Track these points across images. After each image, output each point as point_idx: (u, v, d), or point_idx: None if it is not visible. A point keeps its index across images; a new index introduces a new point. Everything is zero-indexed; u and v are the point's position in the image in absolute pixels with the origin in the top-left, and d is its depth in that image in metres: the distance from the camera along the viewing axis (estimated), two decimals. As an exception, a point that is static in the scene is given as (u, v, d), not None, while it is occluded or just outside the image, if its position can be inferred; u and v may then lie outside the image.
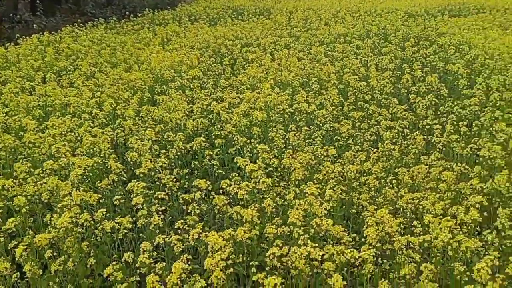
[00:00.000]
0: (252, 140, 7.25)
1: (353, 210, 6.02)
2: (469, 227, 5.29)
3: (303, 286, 4.41)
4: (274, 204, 5.33)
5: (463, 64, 11.27)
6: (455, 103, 9.03)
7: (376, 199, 6.49)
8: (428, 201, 5.89)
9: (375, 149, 8.14)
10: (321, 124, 8.79)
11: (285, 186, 6.32)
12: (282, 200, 5.90)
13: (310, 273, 4.51)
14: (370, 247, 4.72)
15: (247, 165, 5.83)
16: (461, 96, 9.50)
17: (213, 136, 7.80)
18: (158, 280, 3.99)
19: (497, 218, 5.15)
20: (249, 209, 4.89)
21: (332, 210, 6.08)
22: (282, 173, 6.65)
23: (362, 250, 4.70)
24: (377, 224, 5.41)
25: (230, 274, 4.99)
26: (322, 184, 6.29)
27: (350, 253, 4.35)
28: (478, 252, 4.88)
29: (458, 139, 7.80)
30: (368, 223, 5.24)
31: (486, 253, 4.79)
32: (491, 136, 7.34)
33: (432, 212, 5.57)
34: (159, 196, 5.17)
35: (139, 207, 4.94)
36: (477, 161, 7.18)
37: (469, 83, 9.96)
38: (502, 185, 5.88)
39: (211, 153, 6.98)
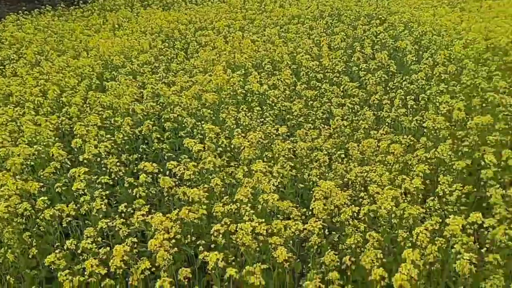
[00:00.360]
0: (202, 122, 7.15)
1: (301, 185, 6.04)
2: (414, 196, 5.44)
3: (251, 261, 4.41)
4: (222, 183, 5.28)
5: (412, 41, 11.50)
6: (404, 79, 9.21)
7: (327, 174, 6.56)
8: (376, 173, 6.01)
9: (327, 126, 8.25)
10: (273, 104, 8.79)
11: (236, 165, 6.28)
12: (232, 179, 5.86)
13: (257, 248, 4.51)
14: (317, 220, 4.77)
15: (194, 145, 5.73)
16: (409, 71, 9.70)
17: (163, 120, 7.65)
18: (98, 264, 3.88)
19: (439, 185, 5.30)
20: (195, 189, 4.82)
21: (281, 186, 6.13)
22: (232, 153, 6.61)
23: (309, 223, 4.75)
24: (325, 198, 5.49)
25: (180, 255, 4.97)
26: (272, 162, 6.30)
27: (295, 226, 4.37)
28: (421, 218, 5.02)
29: (406, 113, 7.98)
30: (315, 197, 5.29)
31: (429, 219, 4.92)
32: (436, 108, 7.52)
33: (378, 183, 5.68)
34: (103, 181, 5.01)
35: (81, 193, 4.78)
36: (424, 133, 7.37)
37: (417, 59, 10.17)
38: (445, 154, 6.05)
39: (159, 136, 6.84)
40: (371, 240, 4.63)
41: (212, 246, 4.51)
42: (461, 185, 5.45)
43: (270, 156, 6.42)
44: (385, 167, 6.41)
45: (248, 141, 6.55)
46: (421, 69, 9.26)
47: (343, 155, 6.74)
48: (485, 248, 4.40)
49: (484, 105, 7.37)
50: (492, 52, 10.05)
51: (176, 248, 4.12)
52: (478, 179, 5.67)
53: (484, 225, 4.47)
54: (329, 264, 4.23)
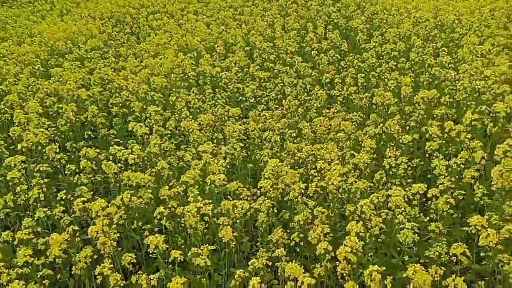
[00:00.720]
0: (150, 106, 6.95)
1: (250, 165, 5.98)
2: (362, 171, 5.50)
3: (199, 242, 4.32)
4: (169, 167, 5.15)
5: (363, 20, 11.58)
6: (355, 57, 9.27)
7: (279, 154, 6.53)
8: (327, 151, 6.03)
9: (280, 107, 8.22)
10: (225, 86, 8.67)
11: (186, 148, 6.14)
12: (181, 162, 5.74)
13: (205, 230, 4.43)
14: (265, 199, 4.73)
15: (139, 129, 5.55)
16: (361, 50, 9.77)
17: (110, 105, 7.39)
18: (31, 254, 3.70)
19: (384, 159, 5.36)
20: (139, 173, 4.67)
21: (231, 168, 6.06)
22: (183, 135, 6.47)
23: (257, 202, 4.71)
24: (276, 177, 5.45)
25: (128, 241, 4.83)
26: (223, 143, 6.22)
27: (240, 205, 4.31)
28: (369, 192, 5.06)
29: (357, 91, 8.04)
30: (264, 176, 5.25)
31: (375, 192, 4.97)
32: (385, 85, 7.61)
33: (328, 160, 5.70)
34: (41, 169, 4.78)
35: (16, 182, 4.54)
36: (376, 110, 7.44)
37: (368, 38, 10.25)
38: (393, 129, 6.14)
39: (103, 121, 6.60)
40: (320, 215, 4.65)
41: (156, 230, 4.38)
42: (407, 158, 5.55)
43: (220, 137, 6.31)
44: (336, 144, 6.47)
45: (198, 124, 6.43)
46: (371, 48, 9.33)
47: (294, 134, 6.70)
48: (428, 218, 4.49)
49: (431, 80, 7.51)
50: (440, 29, 10.26)
51: (118, 234, 3.97)
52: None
53: (428, 195, 4.56)
54: (277, 242, 4.20)
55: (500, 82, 6.47)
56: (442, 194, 4.57)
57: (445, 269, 3.67)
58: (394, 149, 5.84)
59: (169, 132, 6.25)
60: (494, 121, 5.70)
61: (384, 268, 3.28)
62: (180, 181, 4.74)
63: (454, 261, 3.91)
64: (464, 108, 6.24)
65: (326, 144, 6.48)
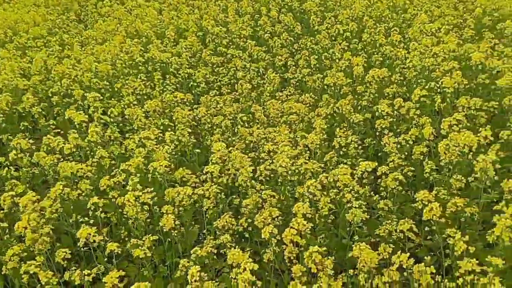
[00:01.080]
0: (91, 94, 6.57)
1: (197, 151, 5.75)
2: (311, 151, 5.38)
3: (140, 233, 4.08)
4: (109, 156, 4.85)
5: (317, 3, 11.44)
6: (309, 40, 9.13)
7: (230, 139, 6.33)
8: (278, 134, 5.87)
9: (233, 91, 8.01)
10: (176, 72, 8.37)
11: (130, 136, 5.84)
12: (125, 151, 5.44)
13: (148, 220, 4.19)
14: (212, 184, 4.53)
15: (76, 117, 5.22)
16: (314, 32, 9.64)
17: (51, 94, 6.96)
18: None
19: (335, 138, 5.25)
20: (73, 163, 4.36)
21: (180, 154, 5.82)
22: (125, 123, 6.17)
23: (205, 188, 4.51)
24: (223, 162, 5.26)
25: (68, 237, 4.53)
26: (170, 129, 5.95)
27: (183, 192, 4.09)
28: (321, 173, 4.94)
29: (310, 73, 7.91)
30: (212, 161, 5.05)
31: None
32: (337, 66, 7.51)
33: (279, 143, 5.54)
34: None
35: None
36: (329, 91, 7.34)
37: (321, 20, 10.12)
38: (345, 109, 6.04)
39: (41, 111, 6.20)
40: (269, 199, 4.49)
41: (100, 223, 4.11)
42: (360, 138, 5.47)
43: (167, 124, 6.04)
44: (288, 127, 6.33)
45: (144, 111, 6.14)
46: (324, 30, 9.22)
47: (245, 118, 6.51)
48: (378, 196, 4.40)
49: (382, 59, 7.46)
50: (392, 10, 10.26)
51: (48, 229, 3.67)
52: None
53: (377, 173, 4.48)
54: (223, 228, 4.01)
55: (449, 59, 6.46)
56: (392, 171, 4.51)
57: (394, 246, 3.60)
58: (346, 129, 5.77)
59: (112, 120, 5.92)
60: (442, 97, 5.68)
61: (325, 248, 3.15)
62: (119, 170, 4.46)
63: (408, 238, 3.86)
64: (415, 86, 6.20)
65: (279, 127, 6.34)
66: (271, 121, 6.92)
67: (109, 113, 5.96)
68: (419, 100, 5.31)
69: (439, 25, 8.02)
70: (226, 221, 4.14)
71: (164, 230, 3.85)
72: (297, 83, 7.99)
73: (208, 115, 6.66)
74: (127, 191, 4.40)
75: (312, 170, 4.63)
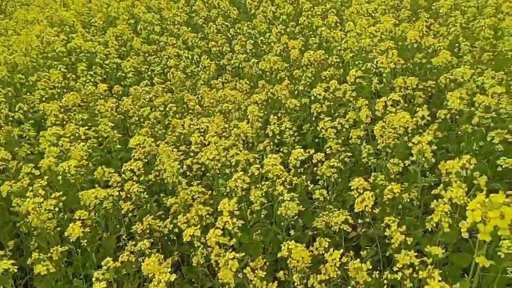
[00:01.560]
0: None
1: (118, 146, 5.23)
2: (244, 141, 5.03)
3: (51, 245, 3.56)
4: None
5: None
6: (245, 25, 8.74)
7: (161, 132, 5.85)
8: (211, 124, 5.46)
9: (167, 81, 7.50)
10: (102, 62, 7.73)
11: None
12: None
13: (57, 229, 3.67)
14: (133, 183, 4.08)
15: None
16: (251, 17, 9.26)
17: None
18: None
19: (268, 126, 4.91)
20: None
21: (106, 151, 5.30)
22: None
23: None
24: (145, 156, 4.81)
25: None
26: (89, 124, 5.39)
27: (94, 194, 3.59)
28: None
29: (247, 58, 7.53)
30: (134, 157, 4.57)
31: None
32: (274, 51, 7.16)
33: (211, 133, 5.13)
34: None
35: None
36: (264, 77, 6.99)
37: (258, 4, 9.75)
38: (280, 94, 5.71)
39: None
40: (197, 196, 4.09)
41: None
42: (294, 123, 5.16)
43: (86, 118, 5.47)
44: (223, 116, 5.94)
45: (62, 105, 5.53)
46: (260, 13, 8.85)
47: (177, 109, 6.04)
48: (314, 185, 4.10)
49: (319, 42, 7.20)
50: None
51: None
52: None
53: (313, 161, 4.18)
54: (142, 233, 3.56)
55: (385, 39, 6.27)
56: (329, 158, 4.22)
57: (329, 240, 3.30)
58: (283, 115, 5.44)
59: (25, 116, 5.28)
60: (380, 78, 5.46)
61: (243, 254, 2.80)
62: (22, 173, 3.90)
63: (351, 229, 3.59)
64: (351, 68, 5.96)
65: (213, 117, 5.93)
66: (206, 110, 6.50)
67: (16, 109, 5.31)
68: (355, 82, 5.05)
69: (376, 6, 7.86)
70: (150, 223, 3.71)
71: (71, 240, 3.34)
72: (234, 70, 7.60)
73: (137, 107, 6.14)
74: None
75: (244, 161, 4.25)
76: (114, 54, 8.03)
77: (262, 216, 3.84)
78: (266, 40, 7.81)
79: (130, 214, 3.85)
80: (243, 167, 4.30)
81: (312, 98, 5.25)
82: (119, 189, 3.90)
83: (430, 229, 3.09)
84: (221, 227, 3.15)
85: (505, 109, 4.35)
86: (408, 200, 3.64)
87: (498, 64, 6.21)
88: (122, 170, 4.12)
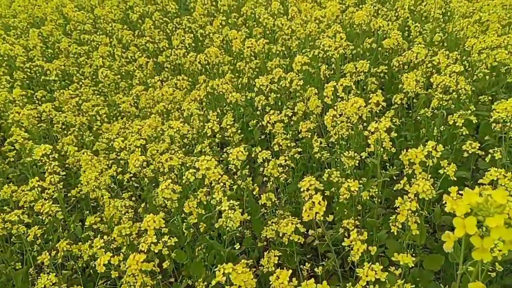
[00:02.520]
0: None
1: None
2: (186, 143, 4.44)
3: None
4: None
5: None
6: (185, 19, 8.10)
7: (88, 139, 5.13)
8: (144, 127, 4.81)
9: (99, 83, 6.76)
10: (24, 66, 6.88)
11: None
12: None
13: None
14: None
15: None
16: (191, 10, 8.65)
17: None
18: None
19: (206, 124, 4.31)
20: None
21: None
22: None
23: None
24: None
25: None
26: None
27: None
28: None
29: (185, 53, 6.90)
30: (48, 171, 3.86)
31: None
32: (214, 43, 6.58)
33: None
34: None
35: None
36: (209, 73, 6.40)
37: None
38: (221, 88, 5.14)
39: None
40: (126, 211, 3.45)
41: None
42: (238, 119, 4.61)
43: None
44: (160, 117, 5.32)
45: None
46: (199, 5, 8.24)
47: (106, 112, 5.35)
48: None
49: (264, 31, 6.68)
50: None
51: None
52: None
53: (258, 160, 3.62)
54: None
55: (332, 23, 5.83)
56: (279, 156, 3.69)
57: (281, 252, 2.76)
58: (227, 112, 4.88)
59: None
60: (328, 64, 5.01)
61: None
62: None
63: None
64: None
65: (149, 119, 5.27)
66: (143, 112, 5.84)
67: None
68: (302, 70, 4.54)
69: (321, -8, 7.44)
70: (66, 249, 3.04)
71: None
72: (173, 67, 6.95)
73: (59, 113, 5.39)
74: None
75: (178, 166, 3.65)
76: (38, 57, 7.19)
77: (204, 229, 3.25)
78: (206, 33, 7.21)
79: (39, 241, 3.15)
80: (178, 173, 3.71)
81: (256, 90, 4.69)
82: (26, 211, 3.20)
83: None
84: (145, 250, 2.55)
85: (464, 89, 3.97)
86: (368, 197, 3.16)
87: (450, 44, 5.92)
88: (30, 186, 3.40)
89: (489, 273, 2.26)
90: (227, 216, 2.89)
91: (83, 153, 4.24)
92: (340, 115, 3.53)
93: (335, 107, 3.36)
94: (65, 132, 5.32)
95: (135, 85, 6.41)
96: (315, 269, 2.70)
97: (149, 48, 7.59)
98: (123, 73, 6.90)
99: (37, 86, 6.97)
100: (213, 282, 2.15)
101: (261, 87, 4.46)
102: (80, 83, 6.62)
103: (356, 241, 2.19)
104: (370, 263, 2.22)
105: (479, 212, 1.09)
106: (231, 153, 3.14)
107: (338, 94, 3.79)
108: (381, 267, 2.10)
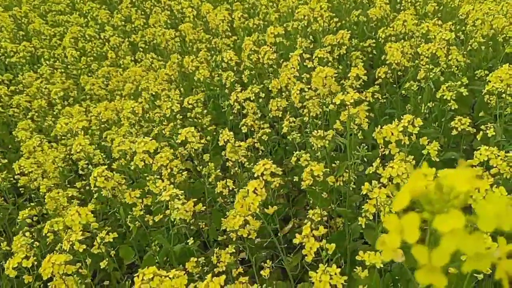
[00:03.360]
0: None
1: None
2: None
3: None
4: None
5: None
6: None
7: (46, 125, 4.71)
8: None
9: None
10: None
11: None
12: None
13: None
14: None
15: None
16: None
17: None
18: None
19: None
20: None
21: None
22: None
23: None
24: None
25: None
26: None
27: None
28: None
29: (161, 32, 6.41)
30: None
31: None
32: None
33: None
34: None
35: None
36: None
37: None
38: (191, 67, 4.68)
39: None
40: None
41: None
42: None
43: None
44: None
45: None
46: None
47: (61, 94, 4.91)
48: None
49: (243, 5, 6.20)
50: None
51: None
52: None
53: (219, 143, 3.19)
54: None
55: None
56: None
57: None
58: (195, 92, 4.44)
59: None
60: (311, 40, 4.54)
61: None
62: None
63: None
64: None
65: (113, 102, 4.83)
66: (113, 95, 5.40)
67: None
68: (276, 43, 4.07)
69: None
70: None
71: None
72: (148, 47, 6.49)
73: (17, 96, 4.96)
74: None
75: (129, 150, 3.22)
76: (6, 39, 6.75)
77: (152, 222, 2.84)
78: (183, 8, 6.70)
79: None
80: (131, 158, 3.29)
81: (225, 66, 4.23)
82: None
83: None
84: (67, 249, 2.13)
85: (456, 59, 3.50)
86: (340, 184, 2.73)
87: (446, 17, 5.43)
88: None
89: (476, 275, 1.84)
90: (173, 207, 2.47)
91: (40, 140, 3.82)
92: (317, 91, 3.08)
93: (303, 80, 2.91)
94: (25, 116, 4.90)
95: (106, 67, 5.96)
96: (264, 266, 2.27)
97: (126, 27, 7.12)
98: (94, 55, 6.44)
99: (3, 70, 6.55)
100: (133, 291, 1.74)
101: (229, 62, 3.99)
102: (47, 65, 6.17)
103: (309, 237, 1.75)
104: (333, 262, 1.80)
105: (428, 205, 0.66)
106: (180, 133, 2.70)
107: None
108: (339, 270, 1.67)
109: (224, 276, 1.66)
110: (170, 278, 1.85)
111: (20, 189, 3.68)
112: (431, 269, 0.64)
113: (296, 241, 1.79)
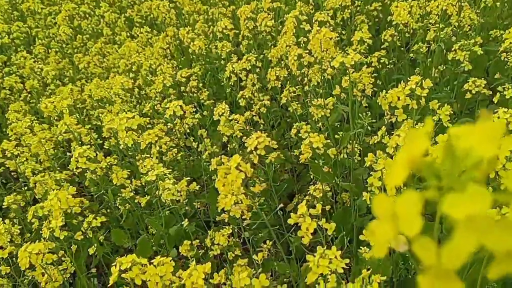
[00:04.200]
0: None
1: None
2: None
3: None
4: None
5: None
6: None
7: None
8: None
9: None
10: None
11: None
12: None
13: None
14: None
15: None
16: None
17: None
18: None
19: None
20: None
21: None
22: None
23: None
24: None
25: None
26: None
27: None
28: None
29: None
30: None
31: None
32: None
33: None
34: None
35: None
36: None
37: None
38: (186, 39, 4.45)
39: None
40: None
41: None
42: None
43: None
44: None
45: None
46: None
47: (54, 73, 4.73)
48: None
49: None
50: None
51: None
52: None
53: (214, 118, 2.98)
54: None
55: None
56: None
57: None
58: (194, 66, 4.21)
59: None
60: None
61: None
62: None
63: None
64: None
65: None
66: (110, 72, 5.20)
67: None
68: (273, 8, 3.80)
69: None
70: None
71: None
72: (145, 22, 6.23)
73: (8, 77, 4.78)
74: None
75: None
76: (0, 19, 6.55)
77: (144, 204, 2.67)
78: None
79: None
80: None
81: (219, 36, 3.98)
82: None
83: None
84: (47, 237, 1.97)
85: (469, 17, 3.22)
86: (346, 155, 2.52)
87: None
88: None
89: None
90: (164, 188, 2.30)
91: (31, 122, 3.65)
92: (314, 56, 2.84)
93: (301, 45, 2.67)
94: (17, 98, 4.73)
95: (100, 43, 5.74)
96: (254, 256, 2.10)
97: (122, 2, 6.86)
98: (90, 33, 6.22)
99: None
100: (111, 282, 1.57)
101: (224, 31, 3.74)
102: (41, 44, 5.97)
103: (305, 217, 1.55)
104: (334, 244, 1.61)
105: (434, 179, 0.45)
106: (167, 108, 2.49)
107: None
108: (339, 252, 1.48)
109: (209, 264, 1.48)
110: (154, 266, 1.69)
111: (13, 173, 3.54)
112: (440, 273, 0.44)
113: (291, 221, 1.60)
